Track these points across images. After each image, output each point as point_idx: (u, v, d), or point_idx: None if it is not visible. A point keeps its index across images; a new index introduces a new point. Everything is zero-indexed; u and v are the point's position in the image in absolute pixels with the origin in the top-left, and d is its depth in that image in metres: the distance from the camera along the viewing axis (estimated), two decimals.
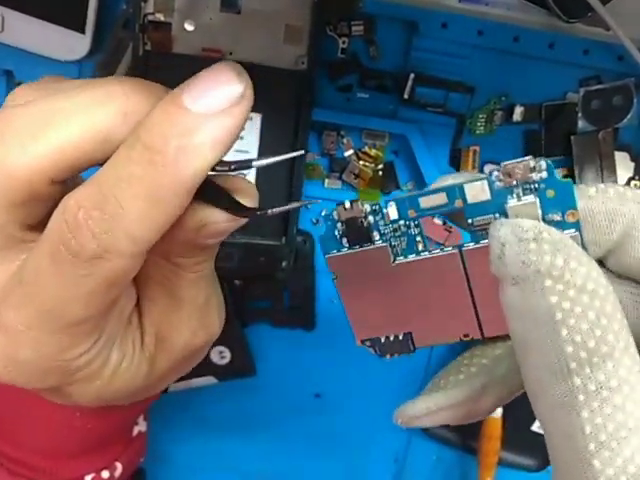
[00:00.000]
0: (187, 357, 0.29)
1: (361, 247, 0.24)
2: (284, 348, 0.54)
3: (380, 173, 0.48)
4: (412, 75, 0.44)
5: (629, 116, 0.46)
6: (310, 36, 0.41)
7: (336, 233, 0.24)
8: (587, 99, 0.46)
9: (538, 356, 0.19)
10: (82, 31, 0.43)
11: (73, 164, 0.22)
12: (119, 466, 0.39)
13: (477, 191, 0.22)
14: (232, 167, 0.23)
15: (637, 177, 0.47)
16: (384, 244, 0.24)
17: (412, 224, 0.23)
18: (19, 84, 0.46)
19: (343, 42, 0.44)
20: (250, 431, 0.56)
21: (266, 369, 0.54)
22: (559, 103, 0.47)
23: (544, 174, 0.21)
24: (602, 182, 0.23)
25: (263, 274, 0.47)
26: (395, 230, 0.24)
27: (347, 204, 0.23)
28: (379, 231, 0.24)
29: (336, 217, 0.24)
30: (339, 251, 0.24)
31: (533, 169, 0.21)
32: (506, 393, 0.25)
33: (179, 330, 0.28)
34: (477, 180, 0.22)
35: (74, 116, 0.22)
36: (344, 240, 0.24)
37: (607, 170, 0.46)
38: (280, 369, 0.54)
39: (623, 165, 0.47)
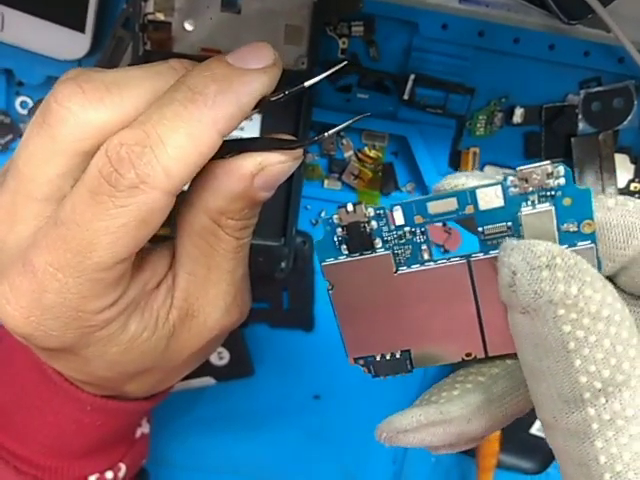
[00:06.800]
0: (213, 338, 0.30)
1: (361, 255, 0.22)
2: (283, 349, 0.53)
3: (380, 174, 0.48)
4: (412, 76, 0.44)
5: (629, 118, 0.46)
6: (310, 36, 0.41)
7: (335, 239, 0.22)
8: (587, 101, 0.46)
9: (550, 385, 0.19)
10: (82, 30, 0.43)
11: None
12: (123, 467, 0.39)
13: (490, 197, 0.20)
14: (286, 92, 0.26)
15: (637, 179, 0.47)
16: (387, 252, 0.22)
17: (418, 231, 0.21)
18: (19, 83, 0.46)
19: (343, 42, 0.44)
20: (249, 432, 0.56)
21: (265, 370, 0.54)
22: (559, 105, 0.47)
23: (562, 180, 0.19)
24: (602, 184, 0.21)
25: (262, 275, 0.46)
26: (400, 237, 0.22)
27: (349, 207, 0.21)
28: (382, 238, 0.22)
29: (337, 221, 0.22)
30: (337, 259, 0.22)
31: (550, 175, 0.19)
32: (501, 415, 0.24)
33: (214, 304, 0.29)
34: (491, 185, 0.20)
35: (145, 81, 0.25)
36: (343, 247, 0.22)
37: (607, 172, 0.46)
38: (279, 370, 0.54)
39: (623, 167, 0.47)
